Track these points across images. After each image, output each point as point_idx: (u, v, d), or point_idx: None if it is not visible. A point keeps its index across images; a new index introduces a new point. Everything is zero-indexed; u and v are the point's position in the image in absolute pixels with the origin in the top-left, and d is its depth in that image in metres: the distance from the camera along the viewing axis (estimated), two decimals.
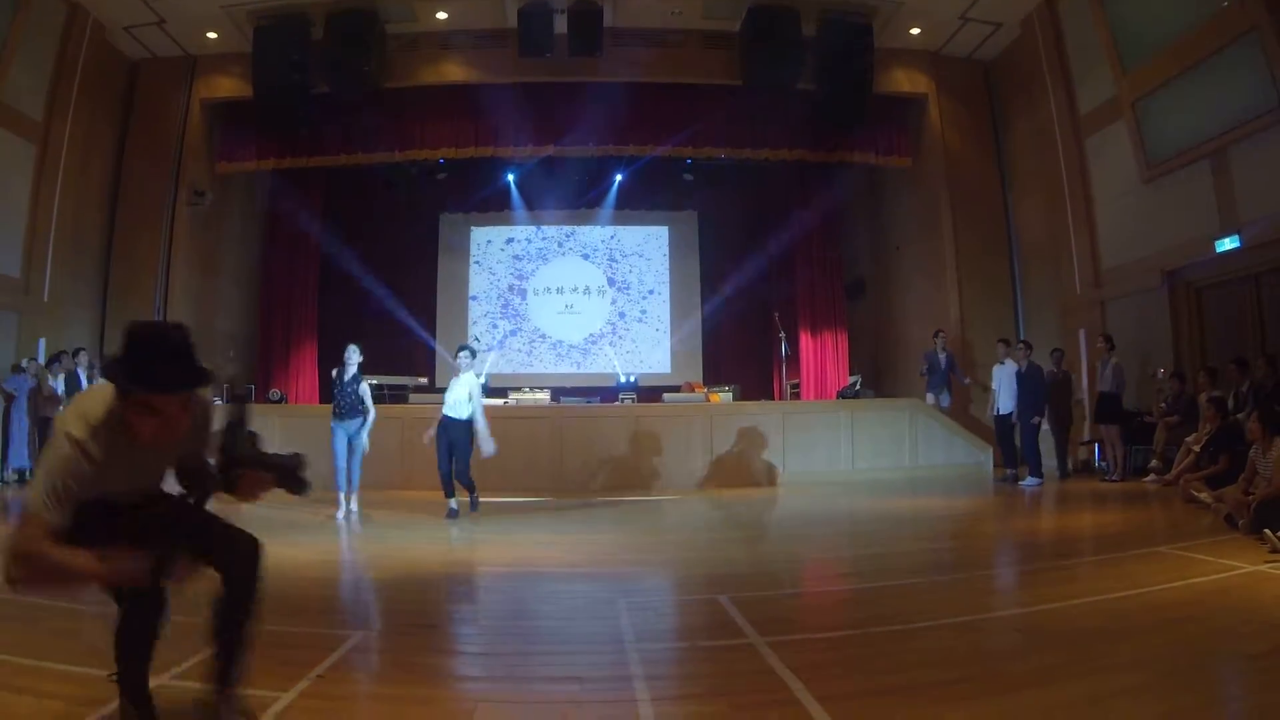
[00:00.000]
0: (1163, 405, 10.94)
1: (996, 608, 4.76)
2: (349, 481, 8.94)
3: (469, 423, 8.89)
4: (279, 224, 17.45)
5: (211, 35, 13.92)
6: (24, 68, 11.90)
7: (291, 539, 7.33)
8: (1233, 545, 6.25)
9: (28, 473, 11.64)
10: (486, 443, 8.80)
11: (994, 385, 11.95)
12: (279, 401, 14.48)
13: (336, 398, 9.04)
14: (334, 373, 9.19)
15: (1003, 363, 11.81)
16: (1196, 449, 9.20)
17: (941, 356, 13.52)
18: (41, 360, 12.15)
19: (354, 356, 9.11)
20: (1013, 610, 4.73)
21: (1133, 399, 11.54)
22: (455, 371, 9.17)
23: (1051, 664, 3.71)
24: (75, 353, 12.05)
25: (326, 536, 8.03)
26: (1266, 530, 6.04)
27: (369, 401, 9.07)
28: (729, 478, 11.83)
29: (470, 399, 8.88)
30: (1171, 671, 3.58)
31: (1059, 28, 12.96)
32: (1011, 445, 11.73)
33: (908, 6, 13.48)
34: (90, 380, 11.85)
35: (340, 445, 8.94)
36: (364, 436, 9.05)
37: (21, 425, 11.59)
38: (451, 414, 8.90)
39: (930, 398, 13.31)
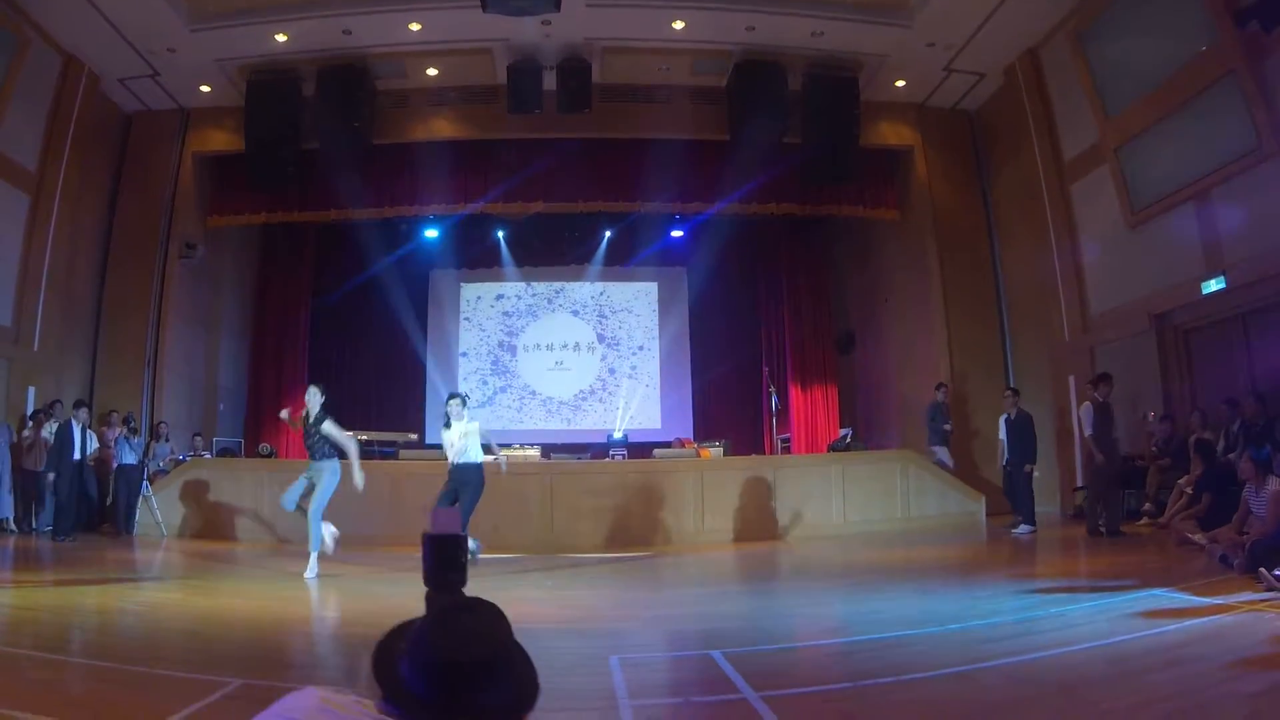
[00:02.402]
0: (1154, 449, 10.86)
1: (992, 657, 4.63)
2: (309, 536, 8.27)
3: (479, 466, 8.74)
4: (270, 277, 17.55)
5: (205, 89, 14.11)
6: (18, 117, 11.99)
7: (277, 591, 7.22)
8: (1228, 585, 6.19)
9: (9, 523, 11.50)
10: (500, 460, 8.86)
11: (1000, 434, 11.84)
12: (269, 456, 14.38)
13: (304, 441, 8.53)
14: (284, 413, 8.71)
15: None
16: (1189, 491, 9.12)
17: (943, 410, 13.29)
18: (29, 411, 12.07)
19: (315, 398, 8.48)
20: (1009, 659, 4.60)
21: (1124, 443, 11.44)
22: (446, 419, 8.99)
23: (1050, 712, 3.67)
24: (76, 405, 11.79)
25: (302, 588, 7.89)
26: (1261, 569, 5.97)
27: (340, 436, 8.38)
28: (720, 533, 11.65)
29: (470, 441, 8.72)
30: (1172, 715, 3.52)
31: (1041, 76, 13.18)
32: (1014, 493, 11.52)
33: (892, 60, 13.69)
34: (85, 437, 11.63)
35: (294, 490, 8.40)
36: (357, 474, 8.35)
37: (3, 478, 11.44)
38: (461, 460, 8.74)
39: (937, 453, 13.10)
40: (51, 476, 11.10)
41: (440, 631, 1.59)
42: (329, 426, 8.40)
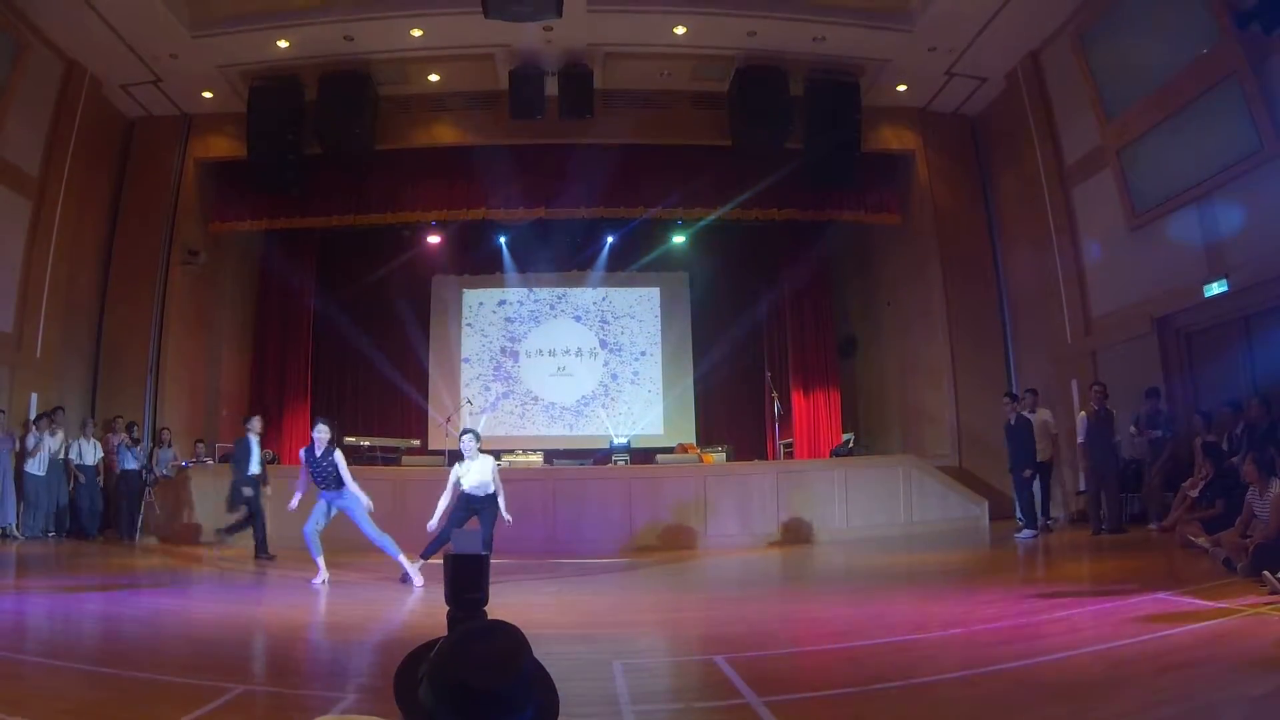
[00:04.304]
0: (1133, 428, 10.86)
1: (996, 661, 4.63)
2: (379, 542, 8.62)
3: (494, 497, 8.76)
4: (272, 283, 17.52)
5: (207, 95, 14.13)
6: (20, 123, 11.99)
7: (285, 600, 7.24)
8: (1231, 588, 6.17)
9: (13, 528, 11.48)
10: (506, 513, 8.77)
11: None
12: (271, 462, 14.32)
13: (313, 474, 8.68)
14: (302, 452, 8.78)
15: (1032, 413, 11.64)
16: (1193, 494, 9.08)
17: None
18: (33, 417, 12.05)
19: (324, 434, 8.74)
20: (1013, 663, 4.60)
21: (1126, 447, 11.42)
22: (460, 456, 8.96)
23: (1055, 715, 3.67)
24: (248, 418, 11.60)
25: (304, 595, 7.91)
26: (1265, 572, 5.94)
27: (346, 475, 8.69)
28: (722, 538, 11.66)
29: (492, 478, 8.78)
30: (1176, 717, 3.51)
31: (1043, 80, 13.16)
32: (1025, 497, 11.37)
33: (894, 64, 13.70)
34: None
35: (320, 512, 8.62)
36: (360, 508, 8.70)
37: (5, 484, 11.44)
38: (477, 493, 8.74)
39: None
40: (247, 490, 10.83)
41: (461, 656, 1.60)
42: (339, 460, 8.71)
